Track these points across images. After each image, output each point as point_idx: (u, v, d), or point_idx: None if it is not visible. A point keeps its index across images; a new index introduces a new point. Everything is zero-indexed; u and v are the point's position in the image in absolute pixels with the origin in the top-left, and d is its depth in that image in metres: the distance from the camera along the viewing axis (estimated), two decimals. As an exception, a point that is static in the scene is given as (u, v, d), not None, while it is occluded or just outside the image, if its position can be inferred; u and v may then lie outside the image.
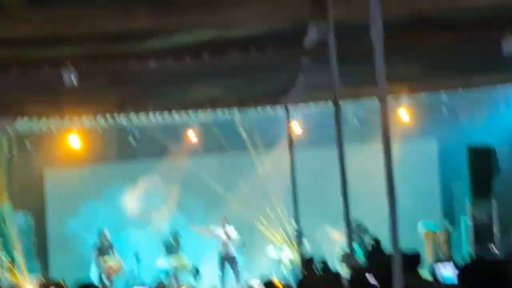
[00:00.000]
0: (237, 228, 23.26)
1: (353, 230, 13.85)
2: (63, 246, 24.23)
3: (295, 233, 17.46)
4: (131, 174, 24.24)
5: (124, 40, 11.60)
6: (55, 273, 23.31)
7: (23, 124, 21.15)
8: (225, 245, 21.89)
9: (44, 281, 19.33)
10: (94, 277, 22.40)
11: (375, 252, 14.75)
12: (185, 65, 12.59)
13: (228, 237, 21.87)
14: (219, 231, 21.99)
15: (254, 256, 23.76)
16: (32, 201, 23.97)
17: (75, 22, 10.53)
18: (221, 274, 21.67)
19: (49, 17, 10.23)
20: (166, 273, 22.04)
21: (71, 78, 12.69)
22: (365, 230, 21.31)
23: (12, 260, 21.05)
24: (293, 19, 11.12)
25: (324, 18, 9.83)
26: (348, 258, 15.27)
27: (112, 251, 22.20)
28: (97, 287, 7.69)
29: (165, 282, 21.27)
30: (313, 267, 14.46)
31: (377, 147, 7.37)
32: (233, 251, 22.00)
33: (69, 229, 24.21)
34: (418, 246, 13.96)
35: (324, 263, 14.85)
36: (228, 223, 22.06)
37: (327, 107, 16.98)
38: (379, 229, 18.83)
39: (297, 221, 16.45)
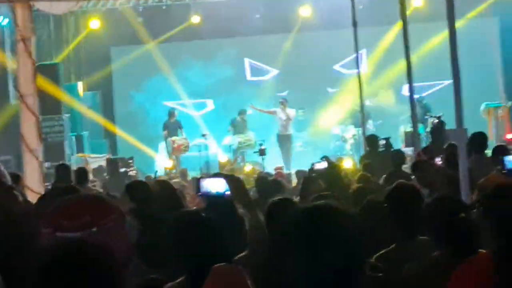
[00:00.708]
0: (301, 107, 23.62)
1: (416, 108, 13.98)
2: (130, 122, 24.90)
3: (359, 111, 17.56)
4: (198, 52, 24.58)
5: None
6: (122, 151, 24.05)
7: (90, 2, 21.43)
8: (283, 125, 22.16)
9: (110, 158, 19.83)
10: (161, 155, 23.06)
11: (438, 131, 14.92)
12: None
13: (288, 117, 22.10)
14: (279, 112, 22.24)
15: (319, 135, 24.12)
16: (100, 79, 24.42)
17: None
18: (280, 153, 22.00)
19: None
20: (232, 150, 22.45)
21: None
22: (428, 109, 21.36)
23: (81, 138, 21.51)
24: None
25: None
26: (410, 136, 15.43)
27: (180, 130, 22.61)
28: (168, 184, 7.92)
29: (231, 158, 21.69)
30: (376, 144, 14.61)
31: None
32: (290, 131, 22.28)
33: (136, 105, 24.84)
34: (481, 126, 14.03)
35: (387, 140, 14.98)
36: (287, 104, 22.28)
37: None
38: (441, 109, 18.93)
39: (361, 99, 16.55)
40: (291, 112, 22.41)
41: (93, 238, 2.55)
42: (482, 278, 3.68)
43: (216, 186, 4.45)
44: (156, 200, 6.65)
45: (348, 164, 16.55)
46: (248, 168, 15.20)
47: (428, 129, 19.39)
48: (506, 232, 3.77)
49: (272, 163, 20.40)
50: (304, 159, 22.01)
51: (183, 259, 4.04)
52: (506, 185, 4.18)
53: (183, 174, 17.88)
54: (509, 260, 3.69)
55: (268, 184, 9.41)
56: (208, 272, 3.75)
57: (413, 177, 9.22)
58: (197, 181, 4.60)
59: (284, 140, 22.17)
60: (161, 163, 22.27)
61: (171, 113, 22.69)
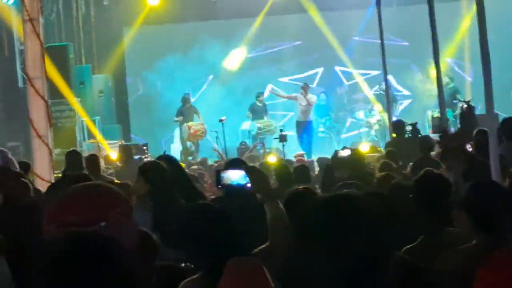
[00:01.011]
0: (325, 91, 23.66)
1: (445, 93, 13.92)
2: (143, 106, 24.97)
3: (385, 95, 17.52)
4: (214, 32, 24.63)
5: None
6: (136, 134, 24.13)
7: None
8: (303, 111, 22.07)
9: (123, 144, 19.85)
10: (177, 141, 23.10)
11: (467, 116, 14.86)
12: None
13: (308, 103, 22.00)
14: (300, 97, 22.14)
15: (344, 120, 24.12)
16: (112, 61, 24.45)
17: None
18: (299, 139, 21.97)
19: None
20: (250, 135, 22.44)
21: None
22: (457, 93, 21.27)
23: (93, 123, 21.51)
24: None
25: None
26: (438, 121, 15.37)
27: (197, 115, 22.55)
28: (176, 160, 7.97)
29: (250, 145, 21.63)
30: (403, 129, 14.59)
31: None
32: (311, 117, 22.20)
33: (150, 88, 24.91)
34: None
35: (413, 126, 14.96)
36: (308, 90, 22.20)
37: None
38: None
39: (385, 81, 16.53)
40: (312, 97, 22.34)
41: (101, 232, 2.51)
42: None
43: (237, 177, 4.48)
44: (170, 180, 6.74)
45: (372, 151, 16.55)
46: (272, 159, 15.16)
47: (457, 114, 19.31)
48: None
49: (292, 150, 20.43)
50: (326, 145, 22.05)
51: (197, 254, 4.06)
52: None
53: (203, 162, 17.91)
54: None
55: (289, 172, 9.41)
56: (224, 267, 3.75)
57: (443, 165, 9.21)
58: (216, 173, 4.62)
59: (303, 127, 22.08)
60: (177, 149, 22.33)
61: (185, 98, 22.60)
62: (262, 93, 23.09)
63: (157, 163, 7.06)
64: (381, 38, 15.94)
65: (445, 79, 17.22)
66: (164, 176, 6.74)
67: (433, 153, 11.70)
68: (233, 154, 18.38)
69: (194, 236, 4.07)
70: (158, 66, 24.63)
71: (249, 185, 4.40)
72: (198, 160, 19.23)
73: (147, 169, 6.90)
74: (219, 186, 4.59)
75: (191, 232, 4.09)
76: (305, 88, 22.30)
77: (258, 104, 22.84)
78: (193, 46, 24.47)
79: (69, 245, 2.36)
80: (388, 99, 16.81)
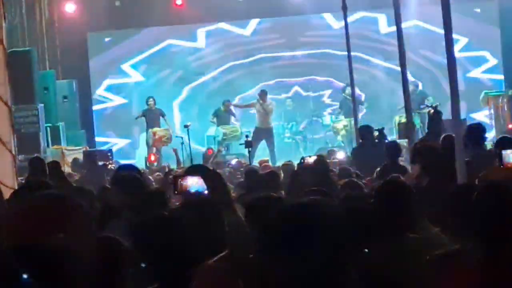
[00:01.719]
0: (290, 97, 23.85)
1: (412, 97, 14.01)
2: (108, 112, 24.91)
3: (351, 100, 17.59)
4: (181, 36, 24.70)
5: None
6: (101, 141, 24.04)
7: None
8: (261, 118, 22.02)
9: (87, 150, 19.75)
10: (143, 147, 23.02)
11: (434, 122, 14.96)
12: None
13: (265, 110, 21.99)
14: (256, 104, 22.19)
15: (311, 126, 24.19)
16: (76, 67, 24.31)
17: None
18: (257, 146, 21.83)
19: None
20: (216, 141, 22.39)
21: None
22: (425, 98, 21.43)
23: (57, 129, 21.38)
24: None
25: None
26: (405, 127, 15.44)
27: (164, 119, 22.54)
28: (137, 169, 7.94)
29: (214, 149, 21.56)
30: (370, 135, 14.61)
31: None
32: (270, 124, 22.15)
33: (114, 92, 24.84)
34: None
35: (380, 131, 15.00)
36: (266, 97, 22.23)
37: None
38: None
39: (352, 87, 16.59)
40: (270, 105, 22.33)
41: (59, 243, 2.48)
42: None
43: (194, 184, 4.46)
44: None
45: (339, 156, 16.61)
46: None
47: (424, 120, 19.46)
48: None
49: (257, 156, 20.42)
50: (292, 151, 22.11)
51: (154, 265, 4.03)
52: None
53: (163, 169, 17.84)
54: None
55: (259, 178, 9.42)
56: (183, 277, 3.75)
57: (409, 168, 9.28)
58: (173, 180, 4.60)
59: (262, 134, 22.04)
60: (143, 155, 22.26)
61: (152, 100, 22.59)
62: (228, 100, 23.11)
63: (137, 177, 7.05)
64: (347, 38, 15.99)
65: (411, 86, 17.34)
66: (140, 185, 6.72)
67: (401, 159, 11.77)
68: (199, 161, 18.37)
69: (147, 248, 4.05)
70: (123, 71, 24.57)
71: (206, 192, 4.40)
72: (161, 166, 19.18)
73: (123, 179, 6.88)
74: (176, 193, 4.57)
75: (145, 245, 4.06)
76: (261, 96, 22.37)
77: (223, 109, 22.85)
78: (160, 51, 24.47)
79: (23, 259, 2.34)
80: (354, 103, 16.88)
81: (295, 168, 10.92)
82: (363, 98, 23.35)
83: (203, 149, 21.81)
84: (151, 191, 7.18)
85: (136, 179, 6.87)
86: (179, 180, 4.52)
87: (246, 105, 23.22)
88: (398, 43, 11.15)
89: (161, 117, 22.53)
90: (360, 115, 21.76)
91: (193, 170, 6.94)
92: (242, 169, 15.78)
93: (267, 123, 22.20)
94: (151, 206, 6.49)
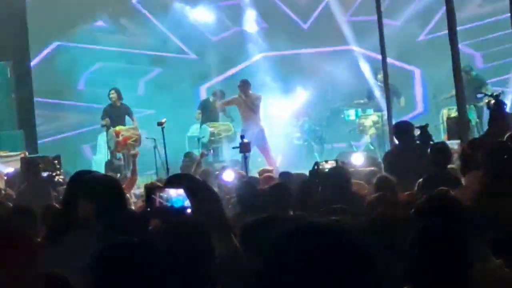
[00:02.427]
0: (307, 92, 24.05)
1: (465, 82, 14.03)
2: (54, 103, 24.95)
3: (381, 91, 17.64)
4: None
5: None
6: (43, 146, 24.02)
7: None
8: (245, 116, 21.48)
9: (27, 157, 19.71)
10: (102, 152, 22.99)
11: (497, 115, 14.94)
12: None
13: (249, 107, 21.46)
14: (236, 99, 21.67)
15: (333, 123, 24.23)
16: (12, 44, 24.26)
17: None
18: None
19: None
20: (201, 143, 22.29)
21: None
22: (481, 83, 21.45)
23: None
24: None
25: None
26: (456, 123, 15.41)
27: (130, 117, 22.50)
28: (96, 173, 7.94)
29: (195, 153, 21.30)
30: (409, 134, 14.54)
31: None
32: (259, 123, 21.70)
33: (62, 76, 24.87)
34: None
35: (423, 129, 14.92)
36: (248, 88, 21.85)
37: None
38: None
39: (385, 71, 16.64)
40: (256, 99, 21.83)
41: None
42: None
43: (174, 198, 4.43)
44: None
45: (367, 162, 16.59)
46: (228, 175, 15.00)
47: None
48: None
49: (257, 164, 20.35)
50: (304, 157, 22.13)
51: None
52: None
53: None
54: None
55: (260, 193, 9.43)
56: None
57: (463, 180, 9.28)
58: (146, 192, 4.57)
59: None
60: (102, 162, 22.19)
61: (113, 95, 22.48)
62: (221, 90, 23.05)
63: (103, 177, 7.09)
64: (379, 15, 16.10)
65: (464, 68, 17.36)
66: (110, 189, 6.76)
67: (452, 167, 11.76)
68: (177, 170, 18.33)
69: (112, 284, 4.00)
70: (72, 42, 24.66)
71: (189, 210, 4.36)
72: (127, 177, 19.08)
73: (91, 186, 6.90)
74: (149, 209, 4.53)
75: (108, 279, 4.01)
76: (242, 87, 21.88)
77: (211, 100, 22.78)
78: (119, 17, 24.59)
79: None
80: (387, 92, 16.89)
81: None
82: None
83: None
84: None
85: (107, 180, 6.89)
86: (156, 192, 4.48)
87: (224, 102, 22.63)
88: None
89: (126, 115, 22.51)
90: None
91: (175, 179, 6.93)
92: (235, 181, 15.72)
93: (255, 123, 21.53)
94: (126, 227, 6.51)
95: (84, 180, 7.16)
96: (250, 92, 21.89)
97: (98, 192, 6.73)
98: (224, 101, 22.58)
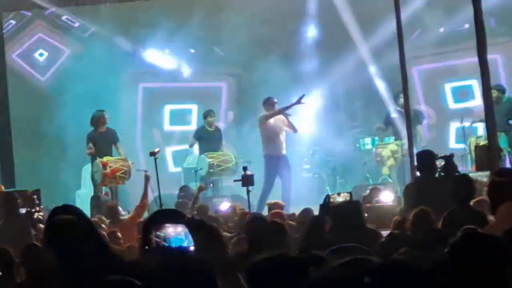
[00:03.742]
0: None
1: (496, 106, 14.00)
2: (35, 132, 25.00)
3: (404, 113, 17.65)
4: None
5: None
6: (21, 181, 24.03)
7: None
8: (269, 139, 21.44)
9: (3, 191, 19.74)
10: (87, 185, 22.94)
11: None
12: None
13: (273, 127, 21.34)
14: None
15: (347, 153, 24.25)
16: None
17: None
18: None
19: None
20: (198, 176, 22.20)
21: None
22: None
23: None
24: None
25: None
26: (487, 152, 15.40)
27: (115, 146, 22.29)
28: (77, 209, 7.97)
29: (192, 188, 21.21)
30: (431, 166, 14.48)
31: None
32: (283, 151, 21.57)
33: (44, 103, 24.96)
34: None
35: (448, 159, 14.87)
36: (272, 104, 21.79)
37: None
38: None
39: (405, 94, 16.66)
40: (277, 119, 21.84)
41: None
42: None
43: (176, 235, 4.43)
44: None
45: (385, 198, 16.64)
46: (224, 208, 15.00)
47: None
48: None
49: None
50: (315, 191, 22.13)
51: None
52: None
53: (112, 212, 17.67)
54: None
55: (264, 231, 9.45)
56: None
57: (492, 218, 9.26)
58: (144, 229, 4.57)
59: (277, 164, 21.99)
60: (87, 197, 22.12)
61: (98, 117, 22.24)
62: (212, 111, 23.03)
63: (64, 219, 7.09)
64: (398, 27, 16.12)
65: (494, 92, 17.34)
66: (70, 237, 6.76)
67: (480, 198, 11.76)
68: (171, 206, 18.32)
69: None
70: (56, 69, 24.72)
71: (192, 247, 4.36)
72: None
73: (52, 229, 6.93)
74: (147, 248, 4.52)
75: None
76: (269, 104, 21.91)
77: (208, 128, 22.76)
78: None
79: None
80: (408, 118, 16.88)
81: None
82: (424, 110, 23.53)
83: (176, 192, 21.56)
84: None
85: (66, 224, 6.92)
86: (150, 229, 4.49)
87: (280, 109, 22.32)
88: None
89: (112, 144, 22.18)
90: (419, 136, 21.86)
91: (173, 215, 6.94)
92: (236, 218, 15.73)
93: (281, 148, 21.58)
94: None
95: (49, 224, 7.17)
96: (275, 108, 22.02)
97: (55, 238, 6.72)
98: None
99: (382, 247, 7.72)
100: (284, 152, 21.65)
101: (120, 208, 18.45)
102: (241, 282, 4.50)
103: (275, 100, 21.78)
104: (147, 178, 18.19)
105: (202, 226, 4.58)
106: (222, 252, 4.55)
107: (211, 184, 21.67)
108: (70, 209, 7.85)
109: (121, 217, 17.25)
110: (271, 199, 18.74)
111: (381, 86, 24.63)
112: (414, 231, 9.52)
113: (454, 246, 5.43)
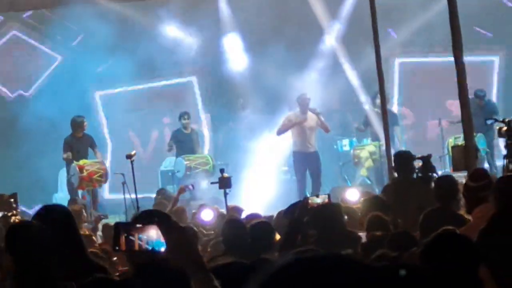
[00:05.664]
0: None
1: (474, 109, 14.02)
2: (12, 132, 24.99)
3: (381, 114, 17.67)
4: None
5: None
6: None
7: None
8: (302, 135, 21.85)
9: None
10: (64, 189, 22.87)
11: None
12: None
13: (308, 124, 21.74)
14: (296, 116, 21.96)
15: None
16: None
17: None
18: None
19: None
20: (175, 179, 22.20)
21: None
22: (492, 110, 21.41)
23: None
24: None
25: None
26: (462, 153, 15.42)
27: (93, 149, 22.29)
28: (65, 210, 7.93)
29: (170, 190, 21.19)
30: (409, 167, 14.52)
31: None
32: (314, 146, 21.91)
33: (20, 104, 24.93)
34: None
35: (425, 160, 14.89)
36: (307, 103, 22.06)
37: None
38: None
39: (382, 95, 16.67)
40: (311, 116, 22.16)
41: None
42: None
43: (151, 237, 4.37)
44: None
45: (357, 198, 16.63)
46: (207, 214, 14.91)
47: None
48: None
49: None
50: (293, 193, 22.12)
51: None
52: None
53: (97, 220, 17.73)
54: None
55: (242, 233, 9.45)
56: None
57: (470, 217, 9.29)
58: (114, 231, 4.49)
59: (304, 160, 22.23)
60: (64, 200, 22.06)
61: (78, 123, 22.33)
62: (187, 113, 23.05)
63: (23, 226, 7.03)
64: (374, 27, 16.14)
65: (476, 101, 17.36)
66: (31, 243, 6.70)
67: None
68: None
69: None
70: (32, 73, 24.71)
71: (163, 249, 4.30)
72: (94, 217, 19.01)
73: (10, 236, 6.89)
74: (117, 249, 4.44)
75: None
76: (303, 102, 22.37)
77: (184, 130, 22.76)
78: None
79: None
80: (385, 118, 16.90)
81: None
82: (401, 112, 23.58)
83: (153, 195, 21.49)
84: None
85: (26, 230, 6.89)
86: (119, 230, 4.40)
87: (294, 123, 22.55)
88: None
89: (89, 148, 22.27)
90: (397, 137, 21.86)
91: (149, 216, 6.88)
92: (213, 221, 15.70)
93: (311, 144, 22.01)
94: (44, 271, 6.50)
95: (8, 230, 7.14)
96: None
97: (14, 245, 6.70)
98: (293, 122, 22.42)
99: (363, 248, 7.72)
100: (312, 149, 22.19)
101: (95, 212, 18.50)
102: (214, 283, 4.46)
103: (308, 96, 22.11)
104: (182, 190, 18.34)
105: (171, 224, 4.50)
106: (192, 252, 4.48)
107: (191, 186, 21.56)
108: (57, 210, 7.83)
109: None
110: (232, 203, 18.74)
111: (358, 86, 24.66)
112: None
113: (427, 247, 5.44)
